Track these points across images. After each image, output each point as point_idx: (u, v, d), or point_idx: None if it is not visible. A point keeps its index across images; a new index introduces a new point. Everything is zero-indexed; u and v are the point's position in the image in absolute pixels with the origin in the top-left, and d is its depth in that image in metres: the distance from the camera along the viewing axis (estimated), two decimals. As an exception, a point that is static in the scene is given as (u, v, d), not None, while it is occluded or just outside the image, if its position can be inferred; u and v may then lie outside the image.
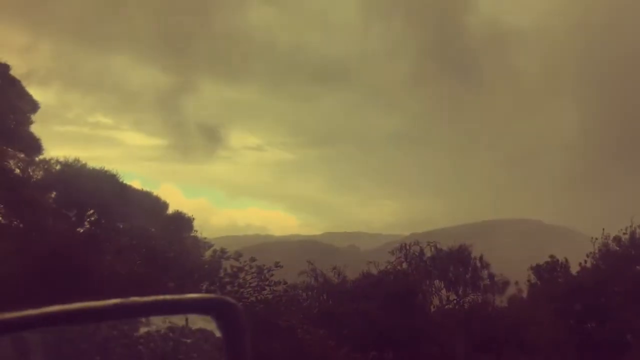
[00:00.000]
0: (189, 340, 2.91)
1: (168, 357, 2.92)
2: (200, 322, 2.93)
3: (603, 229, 45.92)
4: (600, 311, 43.49)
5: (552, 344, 38.07)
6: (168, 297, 2.91)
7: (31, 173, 33.72)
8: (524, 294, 48.08)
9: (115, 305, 2.74)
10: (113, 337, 2.82)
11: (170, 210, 40.82)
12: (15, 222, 32.45)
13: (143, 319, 2.94)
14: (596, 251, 46.15)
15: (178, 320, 2.95)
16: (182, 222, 40.38)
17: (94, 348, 2.81)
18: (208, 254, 37.75)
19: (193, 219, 41.20)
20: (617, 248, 45.47)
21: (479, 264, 45.94)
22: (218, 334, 2.89)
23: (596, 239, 46.07)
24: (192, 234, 40.40)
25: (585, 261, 46.66)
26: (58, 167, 35.20)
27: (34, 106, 34.68)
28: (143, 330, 2.93)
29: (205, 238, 40.55)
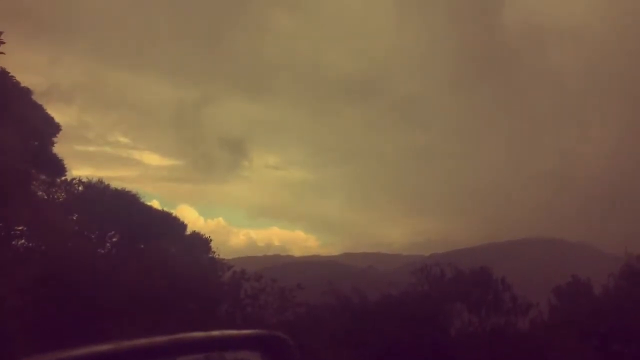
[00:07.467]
0: None
1: None
2: (251, 358, 2.85)
3: (626, 248, 45.22)
4: (625, 333, 42.71)
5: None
6: (218, 333, 2.85)
7: (54, 195, 34.02)
8: (546, 316, 47.34)
9: (167, 343, 2.69)
10: None
11: (188, 231, 40.98)
12: (36, 245, 32.65)
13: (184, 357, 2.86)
14: (618, 271, 45.44)
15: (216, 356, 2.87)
16: (199, 243, 40.46)
17: None
18: (227, 275, 37.71)
19: (210, 239, 41.28)
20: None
21: (500, 286, 45.34)
22: None
23: (619, 258, 45.40)
24: (210, 255, 40.44)
25: (608, 282, 45.95)
26: (80, 188, 35.52)
27: (56, 128, 35.08)
28: None
29: (223, 259, 40.57)
